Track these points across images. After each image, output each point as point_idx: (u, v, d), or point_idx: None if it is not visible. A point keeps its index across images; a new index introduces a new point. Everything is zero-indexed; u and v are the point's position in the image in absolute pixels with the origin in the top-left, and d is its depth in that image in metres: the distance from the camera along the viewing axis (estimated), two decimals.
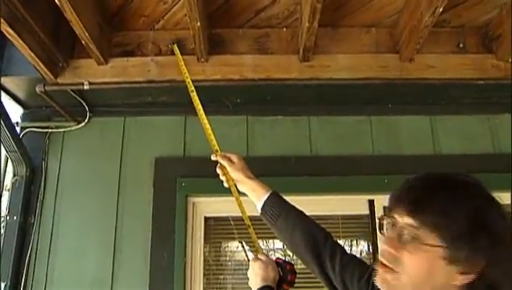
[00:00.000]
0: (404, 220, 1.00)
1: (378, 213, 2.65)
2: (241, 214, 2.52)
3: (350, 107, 2.81)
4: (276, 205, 1.59)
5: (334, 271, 1.41)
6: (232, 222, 2.52)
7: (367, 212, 2.70)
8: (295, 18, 2.42)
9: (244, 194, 1.71)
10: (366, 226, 2.69)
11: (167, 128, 2.71)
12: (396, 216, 1.03)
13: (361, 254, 2.72)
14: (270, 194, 1.61)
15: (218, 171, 1.77)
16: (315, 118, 2.81)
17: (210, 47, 2.38)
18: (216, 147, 1.82)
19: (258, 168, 2.60)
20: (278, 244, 2.72)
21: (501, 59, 2.52)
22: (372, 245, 2.64)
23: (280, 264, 1.58)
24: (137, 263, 2.47)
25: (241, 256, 2.66)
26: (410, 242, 0.98)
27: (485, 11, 2.47)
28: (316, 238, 1.48)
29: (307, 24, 2.15)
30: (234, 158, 1.74)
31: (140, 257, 2.47)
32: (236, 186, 1.73)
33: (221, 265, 2.62)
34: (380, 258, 1.03)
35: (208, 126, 1.88)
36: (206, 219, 2.62)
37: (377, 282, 1.04)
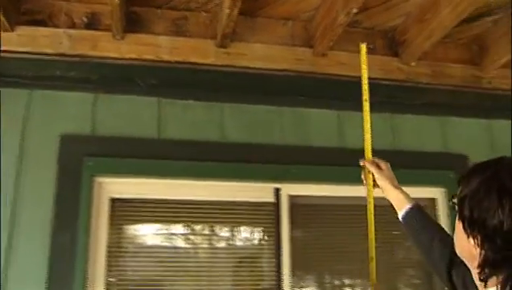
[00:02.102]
0: None
1: (284, 200, 2.73)
2: (150, 196, 2.51)
3: (262, 97, 2.84)
4: (417, 217, 1.67)
5: (458, 280, 1.45)
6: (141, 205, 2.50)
7: (273, 200, 2.76)
8: (215, 4, 2.43)
9: None
10: (271, 214, 2.74)
11: (75, 105, 2.58)
12: None
13: (262, 241, 2.78)
14: (413, 205, 1.68)
15: (362, 177, 1.86)
16: (227, 105, 2.81)
17: (127, 25, 2.32)
18: (370, 156, 1.85)
19: (168, 151, 2.61)
20: (224, 232, 2.73)
21: (405, 62, 2.71)
22: (276, 233, 2.70)
23: None
24: (35, 244, 2.34)
25: (146, 240, 2.63)
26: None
27: (393, 17, 2.63)
28: (450, 246, 1.46)
29: (227, 11, 2.17)
30: (383, 165, 1.81)
31: (39, 239, 2.35)
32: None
33: (126, 248, 2.58)
34: None
35: (369, 134, 1.91)
36: (113, 200, 2.55)
37: None
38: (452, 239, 1.38)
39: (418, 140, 2.99)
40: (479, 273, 1.08)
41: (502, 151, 3.09)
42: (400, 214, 1.72)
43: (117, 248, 2.52)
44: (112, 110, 2.57)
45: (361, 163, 1.86)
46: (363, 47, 1.97)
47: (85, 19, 2.29)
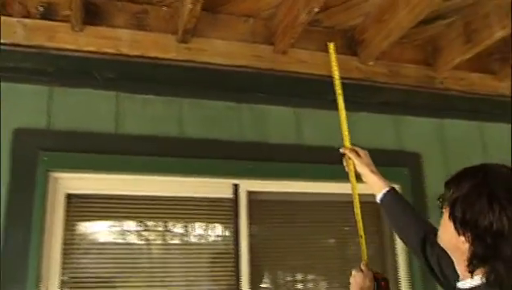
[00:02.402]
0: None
1: (242, 196, 2.74)
2: (108, 192, 2.47)
3: (222, 93, 2.83)
4: (394, 198, 1.85)
5: (434, 257, 1.67)
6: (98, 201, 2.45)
7: (231, 195, 2.76)
8: None
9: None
10: (230, 210, 2.75)
11: (29, 97, 2.50)
12: None
13: (220, 237, 2.78)
14: (390, 189, 1.86)
15: (344, 163, 2.01)
16: (186, 101, 2.79)
17: (86, 17, 2.26)
18: (348, 144, 2.01)
19: (126, 146, 2.57)
20: (182, 228, 2.71)
21: (363, 62, 2.77)
22: (235, 227, 2.72)
23: (377, 279, 1.80)
24: None
25: (103, 237, 2.58)
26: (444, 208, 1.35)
27: (353, 17, 2.68)
28: (423, 227, 1.77)
29: (189, 6, 2.16)
30: (361, 152, 1.97)
31: None
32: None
33: (82, 245, 2.52)
34: None
35: (346, 124, 2.09)
36: (69, 196, 2.49)
37: None
38: (424, 220, 1.82)
39: (373, 138, 3.05)
40: (468, 265, 1.25)
41: (453, 149, 3.24)
42: (378, 197, 1.88)
43: (72, 245, 2.46)
44: (68, 104, 2.50)
45: (342, 151, 2.01)
46: (331, 46, 2.08)
47: (41, 9, 2.22)
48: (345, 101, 2.85)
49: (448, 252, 1.38)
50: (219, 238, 2.77)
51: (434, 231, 1.72)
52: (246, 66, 2.56)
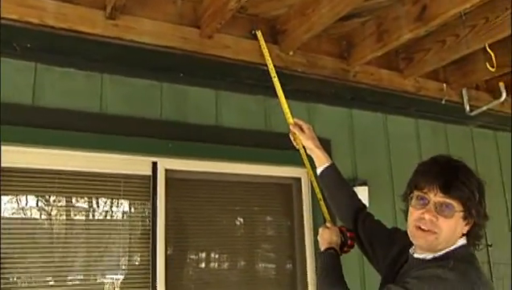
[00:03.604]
0: (437, 197, 1.49)
1: (161, 174, 2.79)
2: (24, 166, 2.41)
3: (144, 71, 2.83)
4: (332, 173, 2.02)
5: (365, 233, 1.90)
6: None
7: (150, 173, 2.80)
8: None
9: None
10: (147, 187, 2.79)
11: None
12: (430, 194, 1.51)
13: (138, 213, 2.82)
14: (331, 164, 2.03)
15: (291, 137, 2.15)
16: (108, 76, 2.76)
17: None
18: (291, 120, 2.14)
19: (44, 119, 2.52)
20: (96, 203, 2.72)
21: (283, 51, 2.90)
22: (152, 205, 2.76)
23: (343, 232, 1.95)
24: None
25: (32, 211, 2.53)
26: (446, 210, 1.48)
27: (277, 7, 2.80)
28: (356, 203, 2.00)
29: None
30: (305, 127, 2.10)
31: None
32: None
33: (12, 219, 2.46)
34: (420, 224, 1.52)
35: (286, 104, 2.22)
36: None
37: (418, 242, 1.55)
38: (358, 197, 2.04)
39: (287, 123, 3.21)
40: (474, 244, 1.58)
41: (360, 137, 3.49)
42: (319, 170, 2.05)
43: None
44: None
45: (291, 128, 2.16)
46: (259, 33, 2.29)
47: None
48: (262, 86, 2.99)
49: (443, 239, 1.53)
50: (137, 214, 2.80)
51: (365, 208, 2.01)
52: (172, 47, 2.58)
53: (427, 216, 1.51)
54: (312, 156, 2.10)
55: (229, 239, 3.03)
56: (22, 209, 2.54)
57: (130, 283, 2.68)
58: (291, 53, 2.92)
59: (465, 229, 1.53)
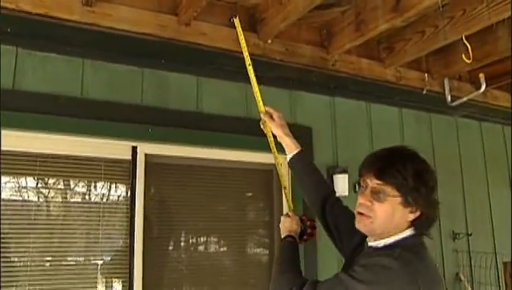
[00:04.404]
0: (373, 182, 1.57)
1: (140, 158, 2.85)
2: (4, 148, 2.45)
3: (125, 57, 2.86)
4: (302, 160, 2.08)
5: (331, 218, 1.97)
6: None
7: (129, 157, 2.85)
8: None
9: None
10: (127, 171, 2.85)
11: None
12: (367, 180, 1.59)
13: (118, 196, 2.89)
14: (300, 151, 2.07)
15: (261, 125, 2.19)
16: (89, 62, 2.80)
17: None
18: (262, 109, 2.17)
19: (24, 104, 2.56)
20: (80, 187, 2.77)
21: (261, 39, 2.93)
22: (131, 188, 2.82)
23: (303, 221, 2.00)
24: None
25: (13, 194, 2.59)
26: (379, 195, 1.56)
27: None
28: (325, 189, 2.06)
29: None
30: (275, 115, 2.13)
31: None
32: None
33: None
34: (358, 209, 1.62)
35: (258, 92, 2.22)
36: None
37: (358, 226, 1.63)
38: (327, 182, 2.16)
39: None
40: (412, 227, 1.59)
41: (341, 124, 3.53)
42: (288, 157, 2.10)
43: None
44: None
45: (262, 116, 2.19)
46: (236, 20, 2.29)
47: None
48: (244, 74, 3.03)
49: (379, 228, 1.60)
50: (116, 198, 2.86)
51: (334, 194, 2.06)
52: (150, 34, 2.62)
53: (362, 200, 1.61)
54: (282, 144, 2.13)
55: (208, 223, 3.08)
56: (5, 191, 2.59)
57: (110, 264, 2.75)
58: (269, 41, 2.96)
59: (410, 216, 1.58)
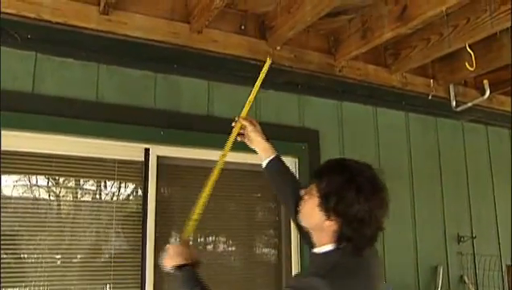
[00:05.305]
0: (312, 185, 1.65)
1: (152, 160, 2.93)
2: (23, 149, 2.55)
3: (139, 63, 2.94)
4: (276, 165, 2.12)
5: None
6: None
7: (142, 159, 2.94)
8: None
9: None
10: (140, 172, 2.94)
11: None
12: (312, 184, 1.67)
13: (130, 196, 2.98)
14: (276, 156, 2.12)
15: (233, 124, 2.18)
16: (104, 67, 2.88)
17: None
18: (245, 114, 2.18)
19: (43, 107, 2.66)
20: (94, 187, 2.84)
21: (271, 46, 3.02)
22: (144, 189, 2.91)
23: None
24: None
25: (30, 192, 2.69)
26: (308, 190, 1.67)
27: (265, 4, 2.92)
28: (298, 194, 1.96)
29: None
30: (255, 121, 2.19)
31: None
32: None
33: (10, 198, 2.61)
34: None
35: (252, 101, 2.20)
36: None
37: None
38: (301, 183, 2.08)
39: (277, 114, 3.34)
40: (337, 241, 1.59)
41: (348, 129, 3.61)
42: (264, 162, 2.14)
43: None
44: None
45: (236, 119, 2.18)
46: (268, 60, 2.25)
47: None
48: (253, 78, 3.10)
49: (309, 229, 1.70)
50: (129, 199, 2.95)
51: None
52: (163, 41, 2.72)
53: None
54: (257, 149, 2.17)
55: (218, 223, 3.16)
56: (22, 190, 2.70)
57: (122, 263, 2.83)
58: (278, 48, 3.05)
59: (328, 225, 1.59)
